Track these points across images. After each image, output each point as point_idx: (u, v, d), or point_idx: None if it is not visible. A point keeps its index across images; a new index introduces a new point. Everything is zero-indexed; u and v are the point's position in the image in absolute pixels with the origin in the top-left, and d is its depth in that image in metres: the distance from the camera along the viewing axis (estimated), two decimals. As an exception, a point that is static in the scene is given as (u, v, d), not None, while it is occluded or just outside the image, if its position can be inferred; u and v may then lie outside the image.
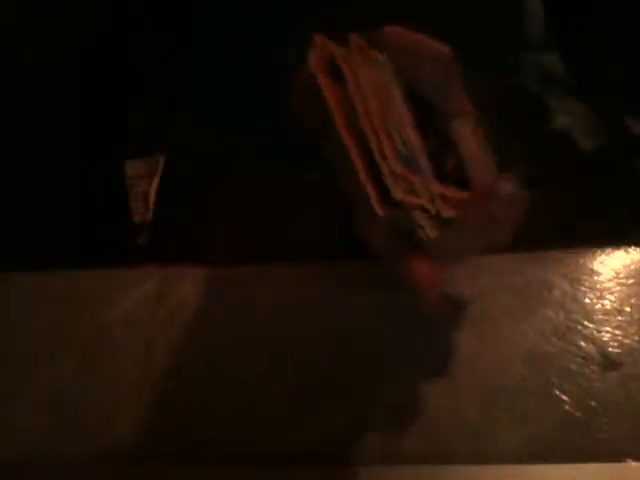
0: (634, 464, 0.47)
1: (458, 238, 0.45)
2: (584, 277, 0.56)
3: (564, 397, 0.50)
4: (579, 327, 0.53)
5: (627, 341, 0.52)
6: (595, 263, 0.57)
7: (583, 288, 0.55)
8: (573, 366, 0.51)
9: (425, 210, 0.43)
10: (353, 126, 0.42)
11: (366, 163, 0.42)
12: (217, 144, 0.68)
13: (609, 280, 0.55)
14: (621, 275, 0.56)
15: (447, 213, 0.44)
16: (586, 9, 0.78)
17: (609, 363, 0.51)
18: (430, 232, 0.43)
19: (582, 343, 0.52)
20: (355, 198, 0.43)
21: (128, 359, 0.55)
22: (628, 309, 0.54)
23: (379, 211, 0.41)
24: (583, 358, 0.51)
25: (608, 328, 0.53)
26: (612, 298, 0.54)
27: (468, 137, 0.49)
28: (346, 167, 0.42)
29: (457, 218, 0.44)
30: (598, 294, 0.55)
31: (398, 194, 0.42)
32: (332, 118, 0.42)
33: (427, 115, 0.47)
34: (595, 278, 0.56)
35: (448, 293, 0.53)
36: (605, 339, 0.52)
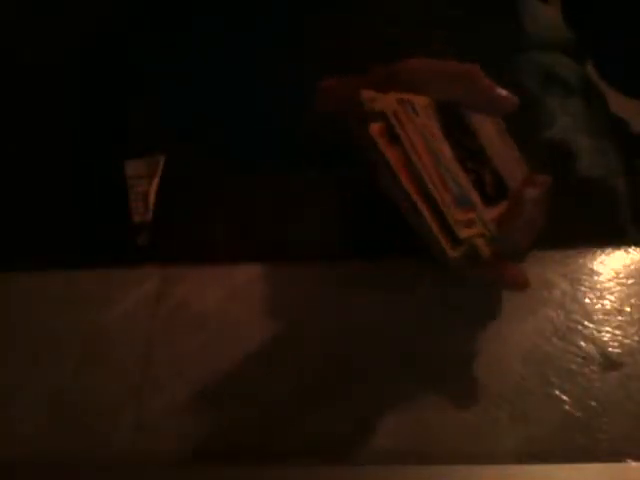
0: (634, 464, 0.47)
1: (503, 247, 0.50)
2: (584, 277, 0.56)
3: (564, 397, 0.50)
4: (579, 327, 0.53)
5: (627, 341, 0.52)
6: (595, 263, 0.57)
7: (583, 288, 0.55)
8: (573, 366, 0.51)
9: (481, 235, 0.48)
10: (416, 182, 0.46)
11: (433, 213, 0.46)
12: (217, 144, 0.68)
13: (609, 280, 0.55)
14: (621, 275, 0.56)
15: (497, 231, 0.49)
16: (587, 8, 0.78)
17: (609, 363, 0.51)
18: (487, 252, 0.48)
19: (582, 343, 0.52)
20: (425, 238, 0.47)
21: (128, 359, 0.55)
22: (628, 309, 0.54)
23: (451, 255, 0.46)
24: (583, 358, 0.51)
25: (608, 328, 0.53)
26: (612, 298, 0.54)
27: (493, 138, 0.53)
28: (415, 217, 0.46)
29: (501, 232, 0.49)
30: (598, 294, 0.55)
31: (463, 233, 0.46)
32: (397, 178, 0.46)
33: (455, 132, 0.51)
34: (595, 278, 0.56)
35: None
36: (605, 339, 0.52)
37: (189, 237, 0.71)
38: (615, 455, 0.47)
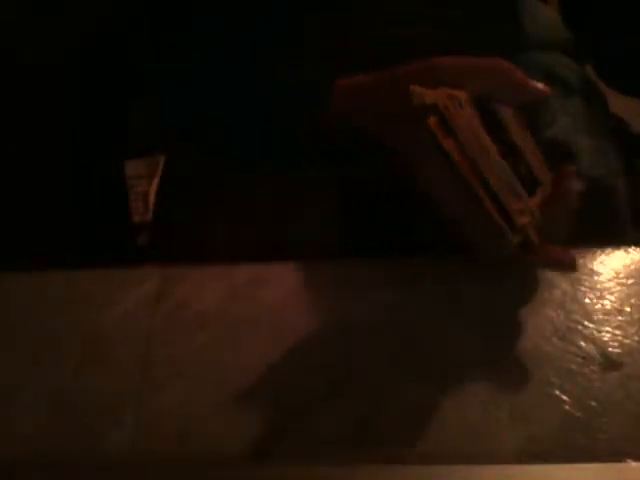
0: (634, 464, 0.47)
1: (548, 233, 0.52)
2: (584, 277, 0.56)
3: (564, 397, 0.50)
4: (579, 327, 0.53)
5: (627, 341, 0.52)
6: (595, 263, 0.57)
7: (583, 288, 0.55)
8: (573, 366, 0.51)
9: (530, 223, 0.50)
10: (473, 172, 0.48)
11: (492, 203, 0.48)
12: (217, 144, 0.68)
13: (609, 280, 0.56)
14: (621, 275, 0.56)
15: (542, 219, 0.51)
16: (586, 8, 0.78)
17: (609, 363, 0.51)
18: (536, 239, 0.50)
19: (582, 343, 0.52)
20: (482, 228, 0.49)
21: (128, 359, 0.55)
22: (628, 309, 0.54)
23: (512, 241, 0.48)
24: (583, 358, 0.51)
25: (608, 328, 0.53)
26: (612, 298, 0.54)
27: (520, 131, 0.54)
28: (474, 208, 0.48)
29: (546, 220, 0.51)
30: (598, 294, 0.55)
31: (519, 221, 0.48)
32: (456, 168, 0.47)
33: (492, 127, 0.52)
34: (595, 278, 0.56)
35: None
36: (605, 339, 0.52)
37: (189, 237, 0.71)
38: (615, 455, 0.47)
